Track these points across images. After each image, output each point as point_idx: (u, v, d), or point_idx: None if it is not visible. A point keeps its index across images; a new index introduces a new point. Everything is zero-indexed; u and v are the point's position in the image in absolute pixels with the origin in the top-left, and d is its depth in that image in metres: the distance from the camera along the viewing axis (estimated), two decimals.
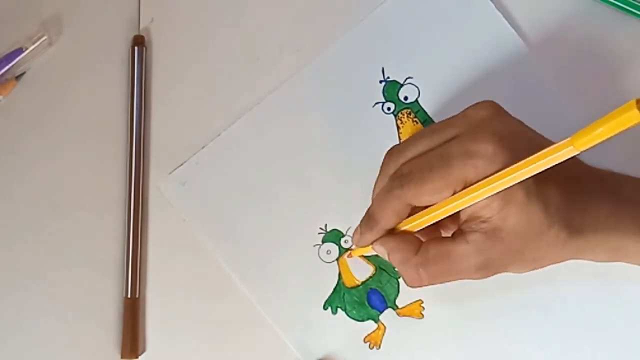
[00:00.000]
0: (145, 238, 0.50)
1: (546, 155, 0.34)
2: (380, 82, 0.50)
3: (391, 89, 0.50)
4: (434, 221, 0.40)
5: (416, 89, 0.50)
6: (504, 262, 0.39)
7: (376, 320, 0.48)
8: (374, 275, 0.49)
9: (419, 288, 0.41)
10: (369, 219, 0.42)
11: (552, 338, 0.47)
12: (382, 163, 0.43)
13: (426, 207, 0.40)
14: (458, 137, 0.39)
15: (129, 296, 0.49)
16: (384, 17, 0.51)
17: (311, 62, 0.51)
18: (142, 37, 0.51)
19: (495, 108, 0.41)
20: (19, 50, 0.50)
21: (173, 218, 0.50)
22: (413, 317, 0.48)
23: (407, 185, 0.39)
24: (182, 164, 0.50)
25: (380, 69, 0.50)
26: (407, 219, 0.42)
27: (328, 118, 0.50)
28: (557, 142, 0.33)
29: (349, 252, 0.49)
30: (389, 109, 0.50)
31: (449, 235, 0.41)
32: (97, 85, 0.51)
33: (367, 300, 0.49)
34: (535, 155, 0.35)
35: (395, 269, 0.48)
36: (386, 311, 0.48)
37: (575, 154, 0.32)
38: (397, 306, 0.48)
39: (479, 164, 0.37)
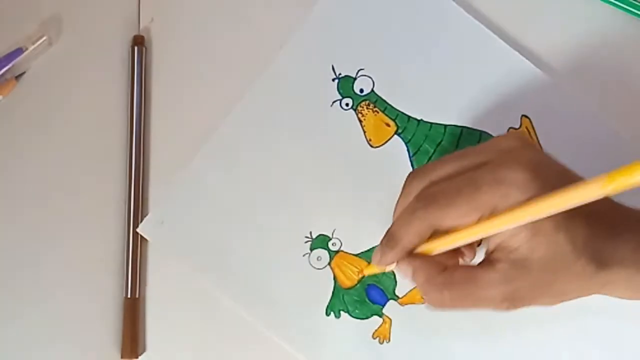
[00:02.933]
0: (145, 238, 0.50)
1: (577, 192, 0.34)
2: (333, 80, 0.50)
3: (345, 84, 0.50)
4: (455, 245, 0.40)
5: (369, 79, 0.50)
6: (531, 294, 0.39)
7: (380, 315, 0.48)
8: None
9: (440, 309, 0.41)
10: (390, 239, 0.41)
11: (563, 323, 0.47)
12: (405, 183, 0.42)
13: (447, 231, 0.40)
14: (488, 163, 0.39)
15: (129, 296, 0.49)
16: (323, 16, 0.51)
17: (262, 75, 0.50)
18: (142, 37, 0.51)
19: (525, 139, 0.41)
20: (19, 50, 0.50)
21: None
22: (415, 303, 0.48)
23: (432, 207, 0.39)
24: (155, 206, 0.50)
25: (330, 67, 0.50)
26: (427, 242, 0.41)
27: (292, 126, 0.50)
28: (588, 180, 0.33)
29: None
30: (347, 104, 0.50)
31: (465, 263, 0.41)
32: (97, 85, 0.51)
33: (367, 296, 0.49)
34: (566, 189, 0.34)
35: None
36: (388, 303, 0.48)
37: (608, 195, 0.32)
38: (397, 296, 0.48)
39: (509, 191, 0.37)
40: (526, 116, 0.49)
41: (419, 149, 0.50)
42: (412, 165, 0.50)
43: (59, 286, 0.49)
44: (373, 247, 0.48)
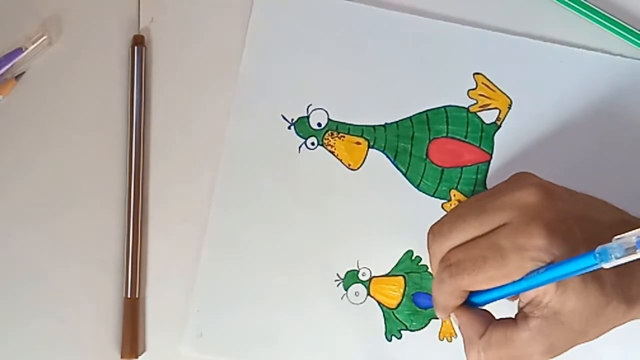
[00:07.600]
0: (145, 238, 0.50)
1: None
2: (289, 127, 0.50)
3: (301, 125, 0.50)
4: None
5: (322, 110, 0.50)
6: (567, 344, 0.40)
7: (437, 317, 0.48)
8: (406, 282, 0.49)
9: None
10: (434, 301, 0.44)
11: None
12: (427, 244, 0.43)
13: None
14: (508, 225, 0.39)
15: (129, 296, 0.49)
16: (250, 74, 0.50)
17: (223, 153, 0.50)
18: (142, 37, 0.51)
19: (544, 191, 0.40)
20: (19, 50, 0.50)
21: (173, 218, 0.50)
22: None
23: (460, 275, 0.40)
24: (185, 322, 0.49)
25: (281, 117, 0.50)
26: None
27: (273, 189, 0.50)
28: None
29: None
30: (313, 143, 0.50)
31: None
32: (97, 85, 0.51)
33: (417, 305, 0.49)
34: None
35: (419, 265, 0.49)
36: None
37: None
38: None
39: (535, 255, 0.38)
40: (478, 73, 0.51)
41: (397, 151, 0.50)
42: (397, 168, 0.50)
43: (58, 286, 0.49)
44: (401, 260, 0.49)
